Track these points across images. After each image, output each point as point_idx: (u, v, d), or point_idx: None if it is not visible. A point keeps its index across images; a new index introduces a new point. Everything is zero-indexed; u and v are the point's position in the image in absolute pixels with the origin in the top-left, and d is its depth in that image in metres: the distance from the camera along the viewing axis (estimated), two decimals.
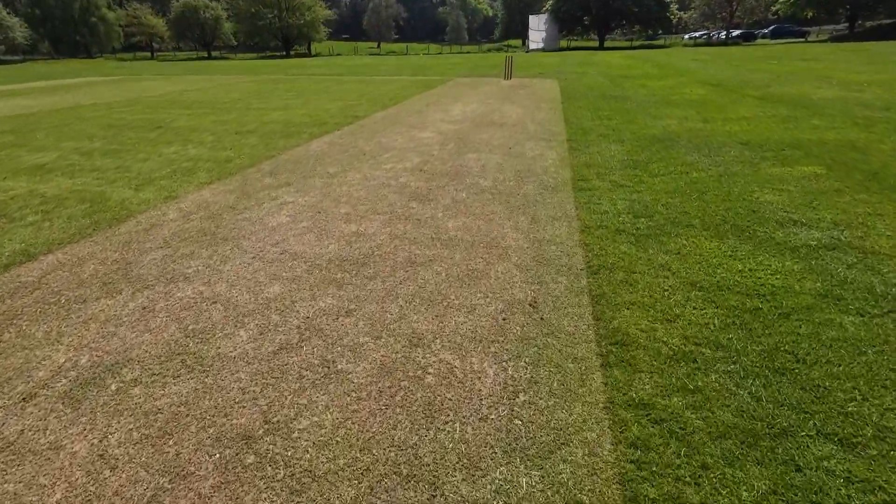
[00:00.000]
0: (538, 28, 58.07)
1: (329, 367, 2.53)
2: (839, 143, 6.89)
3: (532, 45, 58.16)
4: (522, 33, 67.17)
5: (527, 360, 2.56)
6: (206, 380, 2.46)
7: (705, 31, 65.14)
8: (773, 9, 55.79)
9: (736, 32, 59.00)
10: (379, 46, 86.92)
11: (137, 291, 3.35)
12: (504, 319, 2.93)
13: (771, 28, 63.14)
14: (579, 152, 7.01)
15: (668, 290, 3.21)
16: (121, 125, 10.27)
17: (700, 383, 2.34)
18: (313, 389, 2.37)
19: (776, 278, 3.32)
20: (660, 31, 61.88)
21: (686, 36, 70.54)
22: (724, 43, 55.28)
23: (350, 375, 2.47)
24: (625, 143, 7.47)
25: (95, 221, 4.74)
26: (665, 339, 2.69)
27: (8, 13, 56.10)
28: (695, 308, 2.99)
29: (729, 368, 2.44)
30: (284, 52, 62.41)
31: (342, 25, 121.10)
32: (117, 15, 64.58)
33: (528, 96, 13.52)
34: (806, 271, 3.40)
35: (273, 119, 10.37)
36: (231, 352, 2.67)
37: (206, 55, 64.34)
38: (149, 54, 66.04)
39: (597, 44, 60.84)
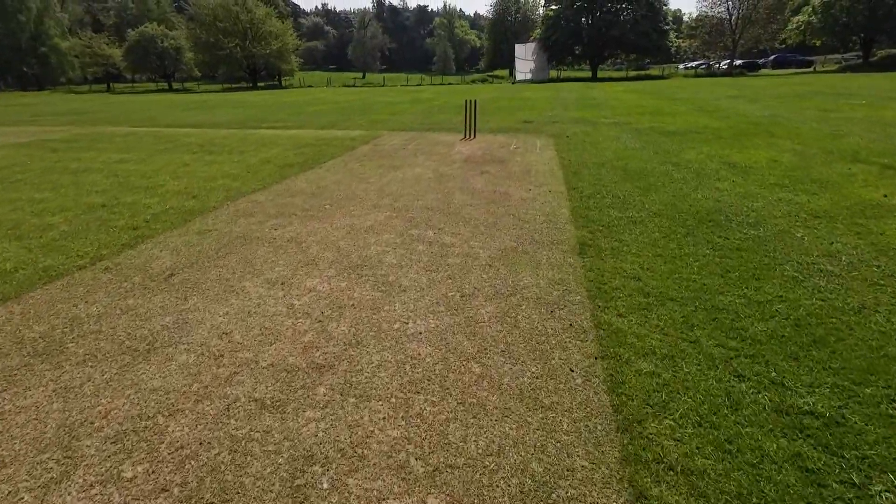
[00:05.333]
0: (525, 57, 50.82)
1: None
2: None
3: (519, 76, 50.86)
4: (509, 63, 60.04)
5: None
6: None
7: (704, 61, 58.12)
8: (781, 37, 48.81)
9: (738, 62, 51.97)
10: (364, 76, 79.98)
11: None
12: None
13: (773, 57, 56.34)
14: None
15: None
16: None
17: None
18: None
19: None
20: (658, 60, 54.97)
21: (681, 66, 63.69)
22: (728, 73, 48.16)
23: None
24: None
25: None
26: None
27: None
28: None
29: None
30: (251, 84, 54.75)
31: (329, 56, 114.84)
32: (72, 44, 56.85)
33: (491, 219, 5.36)
34: None
35: None
36: None
37: (167, 87, 56.58)
38: (105, 86, 58.18)
39: (589, 73, 53.66)
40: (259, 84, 55.19)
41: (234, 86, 54.99)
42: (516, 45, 53.05)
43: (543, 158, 8.16)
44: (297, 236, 4.58)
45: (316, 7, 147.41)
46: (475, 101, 10.49)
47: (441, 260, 3.96)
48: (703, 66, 56.11)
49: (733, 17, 49.37)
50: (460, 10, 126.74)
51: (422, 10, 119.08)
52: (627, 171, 7.00)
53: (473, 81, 56.11)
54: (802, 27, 45.25)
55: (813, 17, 43.92)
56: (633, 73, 54.23)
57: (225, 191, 6.27)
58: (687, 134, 10.13)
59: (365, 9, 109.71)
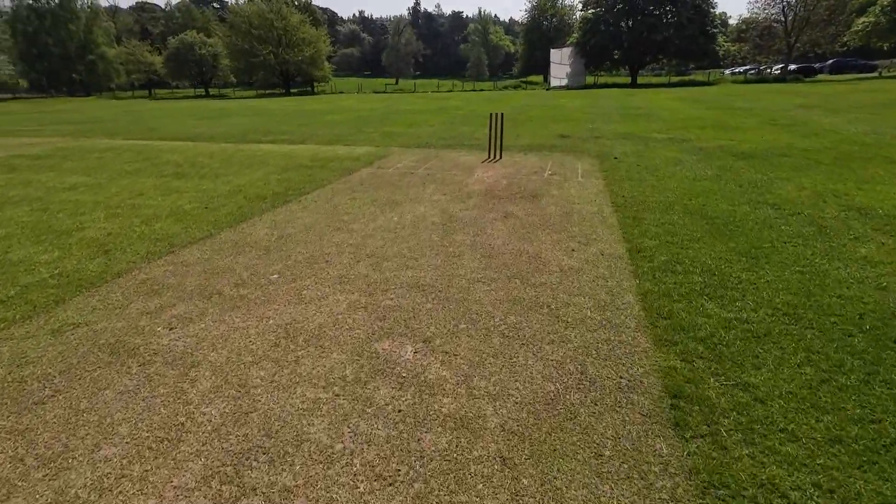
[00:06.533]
0: (561, 62, 48.32)
1: None
2: None
3: (554, 82, 48.35)
4: (544, 69, 57.50)
5: None
6: None
7: (754, 65, 53.88)
8: (842, 39, 44.44)
9: (792, 66, 47.72)
10: (397, 83, 79.28)
11: None
12: None
13: (831, 62, 51.62)
14: None
15: None
16: None
17: None
18: None
19: None
20: (704, 65, 51.44)
21: (728, 71, 59.50)
22: (782, 79, 44.17)
23: None
24: None
25: None
26: None
27: None
28: None
29: None
30: (285, 90, 54.48)
31: (365, 62, 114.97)
32: (118, 52, 58.27)
33: (512, 317, 3.43)
34: None
35: None
36: None
37: (204, 93, 57.12)
38: (147, 92, 59.34)
39: (627, 79, 50.61)
40: (292, 90, 54.89)
41: (267, 92, 54.90)
42: (552, 50, 50.56)
43: (588, 192, 6.17)
44: (194, 347, 2.81)
45: (353, 14, 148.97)
46: (501, 115, 8.56)
47: (412, 440, 2.08)
48: (753, 72, 52.01)
49: (789, 19, 45.31)
50: (495, 15, 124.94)
51: (456, 16, 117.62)
52: (709, 218, 4.93)
53: (506, 88, 53.99)
54: (869, 28, 41.03)
55: (881, 17, 39.74)
56: (675, 79, 50.82)
57: (154, 241, 4.59)
58: (770, 157, 7.89)
59: (400, 15, 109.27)
